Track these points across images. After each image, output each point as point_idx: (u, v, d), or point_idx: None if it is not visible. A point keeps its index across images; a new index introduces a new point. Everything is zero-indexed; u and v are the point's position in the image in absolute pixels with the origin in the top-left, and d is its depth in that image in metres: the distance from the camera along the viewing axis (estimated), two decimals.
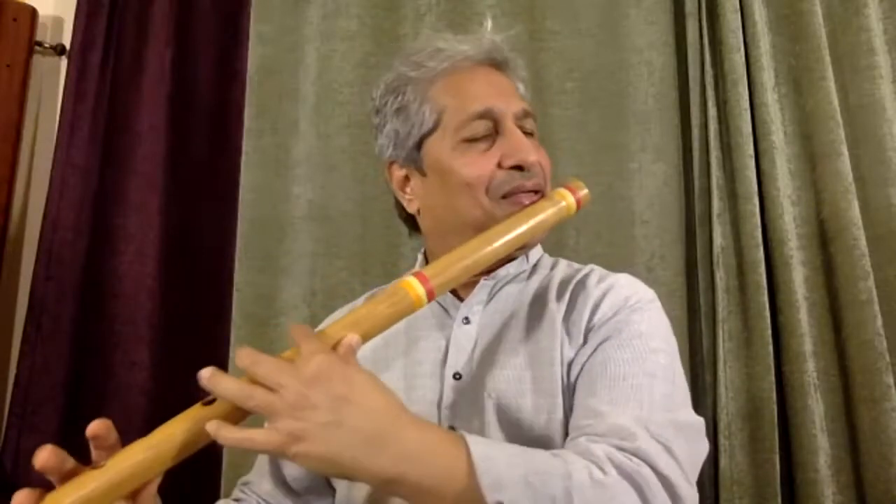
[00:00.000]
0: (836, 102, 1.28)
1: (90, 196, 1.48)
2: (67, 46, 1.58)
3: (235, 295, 1.39)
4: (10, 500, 0.55)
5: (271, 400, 0.55)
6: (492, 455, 0.57)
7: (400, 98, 0.86)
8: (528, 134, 0.83)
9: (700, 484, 1.22)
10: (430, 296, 0.68)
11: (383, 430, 0.56)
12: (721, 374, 1.23)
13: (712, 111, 1.34)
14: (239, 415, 0.57)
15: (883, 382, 1.15)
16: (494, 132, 0.81)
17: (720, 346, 1.24)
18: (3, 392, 1.46)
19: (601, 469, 0.58)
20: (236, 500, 0.88)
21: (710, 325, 1.29)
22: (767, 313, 1.22)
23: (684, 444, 0.64)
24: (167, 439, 0.56)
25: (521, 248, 0.81)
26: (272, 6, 1.51)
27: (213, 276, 1.46)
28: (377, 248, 1.40)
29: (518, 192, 0.79)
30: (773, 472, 1.17)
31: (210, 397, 0.59)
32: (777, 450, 1.18)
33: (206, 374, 0.56)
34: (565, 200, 0.79)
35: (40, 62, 1.63)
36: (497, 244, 0.74)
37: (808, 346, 1.21)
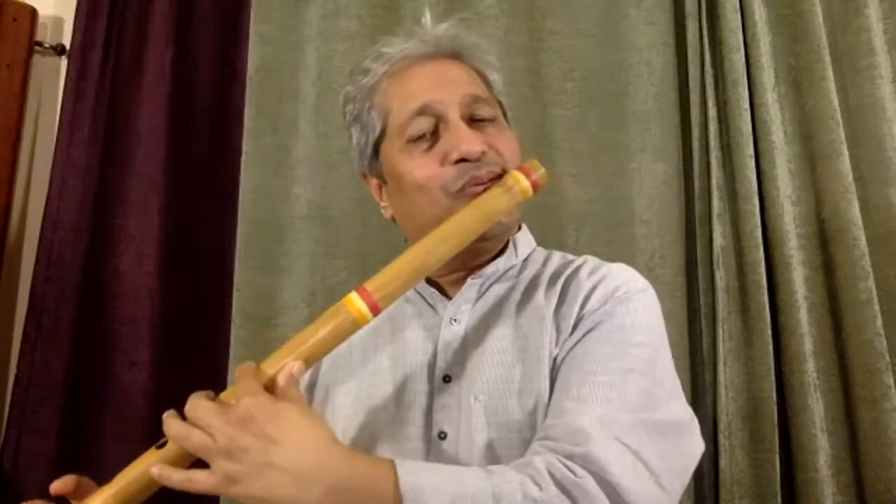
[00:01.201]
0: (836, 102, 1.28)
1: (90, 196, 1.48)
2: (67, 46, 1.58)
3: (235, 295, 1.39)
4: (9, 500, 0.57)
5: (205, 442, 0.57)
6: (418, 485, 0.57)
7: (354, 109, 0.85)
8: (482, 120, 0.80)
9: (700, 484, 1.23)
10: (375, 310, 0.67)
11: (313, 467, 0.56)
12: (721, 374, 1.23)
13: (712, 111, 1.34)
14: (189, 456, 0.60)
15: (883, 382, 1.15)
16: (438, 128, 0.78)
17: (720, 346, 1.24)
18: (3, 392, 1.46)
19: (537, 484, 0.58)
20: None
21: (710, 325, 1.29)
22: (767, 313, 1.22)
23: (659, 445, 0.63)
24: (126, 486, 0.60)
25: (484, 239, 0.77)
26: (272, 6, 1.51)
27: (213, 276, 1.45)
28: (377, 248, 1.40)
29: (473, 184, 0.76)
30: (773, 472, 1.17)
31: (163, 440, 0.61)
32: (777, 450, 1.18)
33: (164, 416, 0.61)
34: (518, 185, 0.74)
35: (40, 62, 1.63)
36: (448, 243, 0.71)
37: (808, 346, 1.21)
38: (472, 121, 0.79)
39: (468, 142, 0.76)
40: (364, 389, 0.83)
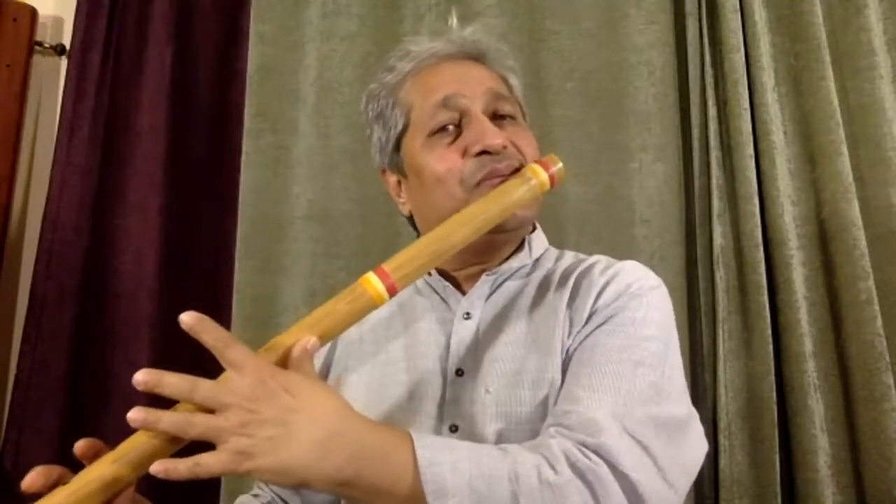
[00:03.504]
0: (836, 102, 1.27)
1: (90, 196, 1.48)
2: (67, 46, 1.58)
3: (235, 295, 1.39)
4: (9, 500, 0.56)
5: (214, 423, 0.54)
6: (436, 460, 0.57)
7: (377, 106, 0.87)
8: (503, 118, 0.82)
9: (700, 484, 1.23)
10: (392, 291, 0.66)
11: (333, 432, 0.56)
12: (721, 374, 1.23)
13: (712, 111, 1.34)
14: (168, 449, 0.56)
15: (883, 382, 1.15)
16: (461, 123, 0.80)
17: (720, 346, 1.24)
18: (3, 392, 1.46)
19: (552, 467, 0.58)
20: (255, 495, 0.91)
21: (710, 325, 1.29)
22: (767, 313, 1.22)
23: (666, 441, 0.63)
24: (133, 450, 0.56)
25: (499, 231, 0.78)
26: (272, 6, 1.51)
27: (213, 276, 1.46)
28: (377, 248, 1.40)
29: (492, 177, 0.77)
30: (773, 472, 1.17)
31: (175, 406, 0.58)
32: (777, 450, 1.18)
33: (140, 417, 0.53)
34: (536, 178, 0.76)
35: (40, 62, 1.63)
36: (465, 230, 0.72)
37: (808, 346, 1.21)
38: (494, 117, 0.81)
39: (491, 135, 0.78)
40: (376, 379, 0.83)
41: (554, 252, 0.89)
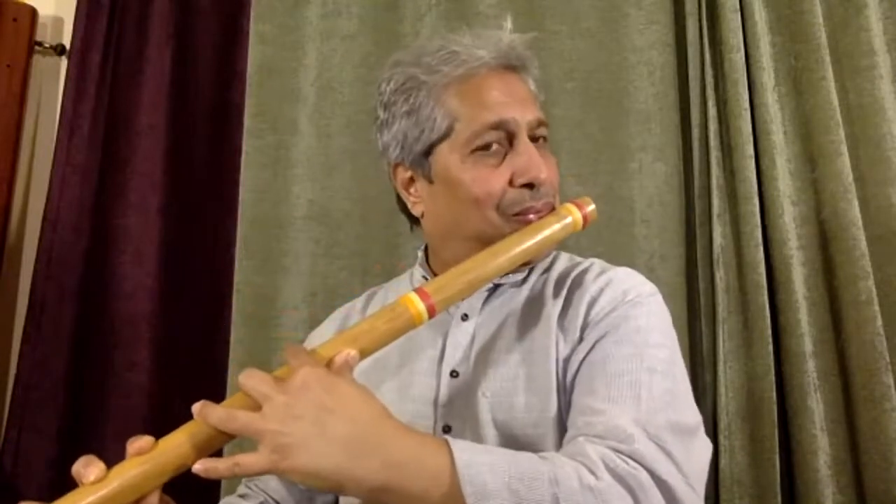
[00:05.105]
0: (836, 102, 1.27)
1: (90, 196, 1.48)
2: (67, 46, 1.58)
3: (235, 295, 1.39)
4: (9, 500, 0.56)
5: (253, 419, 0.56)
6: (475, 462, 0.57)
7: (411, 100, 0.82)
8: (540, 141, 0.82)
9: None
10: (431, 312, 0.68)
11: (367, 437, 0.56)
12: (721, 374, 1.23)
13: (712, 111, 1.34)
14: (211, 445, 0.59)
15: (883, 382, 1.15)
16: (507, 145, 0.79)
17: (720, 346, 1.24)
18: (3, 392, 1.46)
19: (593, 473, 0.58)
20: (241, 496, 0.89)
21: (710, 324, 1.29)
22: (767, 313, 1.22)
23: (683, 448, 0.63)
24: (163, 454, 0.58)
25: (527, 264, 0.81)
26: (272, 6, 1.51)
27: (213, 276, 1.46)
28: (377, 248, 1.40)
29: (528, 212, 0.78)
30: (773, 472, 1.17)
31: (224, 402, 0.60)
32: (777, 450, 1.18)
33: (198, 407, 0.59)
34: (572, 216, 0.78)
35: (40, 62, 1.63)
36: (501, 260, 0.73)
37: (808, 346, 1.21)
38: (532, 140, 0.81)
39: (537, 167, 0.78)
40: (374, 384, 0.83)
41: (549, 255, 0.89)
